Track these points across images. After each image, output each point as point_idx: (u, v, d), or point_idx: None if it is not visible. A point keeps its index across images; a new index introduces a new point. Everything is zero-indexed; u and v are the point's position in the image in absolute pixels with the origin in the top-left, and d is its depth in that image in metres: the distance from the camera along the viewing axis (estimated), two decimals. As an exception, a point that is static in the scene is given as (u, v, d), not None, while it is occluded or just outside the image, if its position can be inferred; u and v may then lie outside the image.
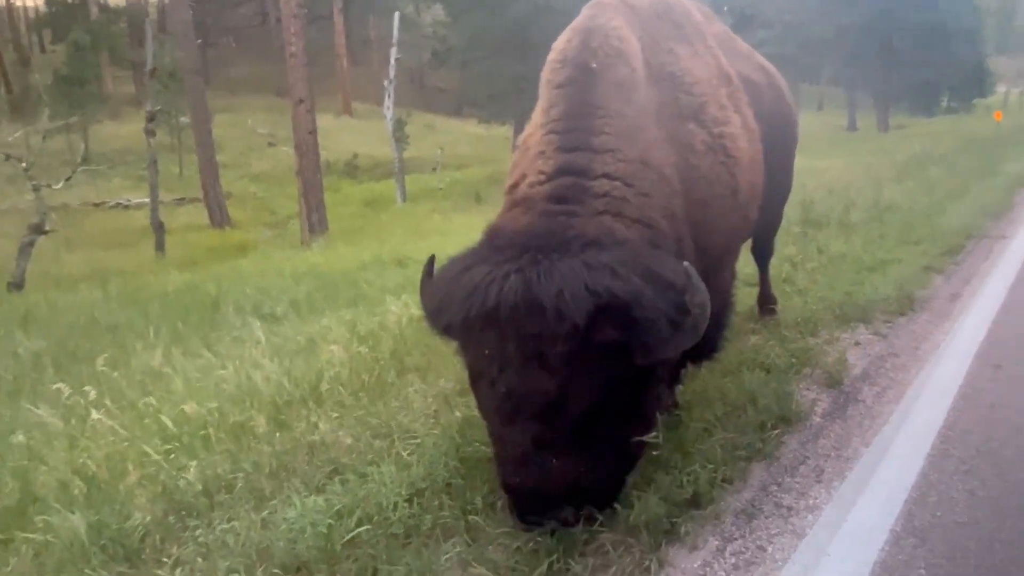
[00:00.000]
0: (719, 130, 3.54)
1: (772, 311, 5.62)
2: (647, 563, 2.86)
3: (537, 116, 3.33)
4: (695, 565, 2.89)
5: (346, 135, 34.26)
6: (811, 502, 3.30)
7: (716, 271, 3.61)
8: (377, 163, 31.28)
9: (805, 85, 40.18)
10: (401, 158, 24.47)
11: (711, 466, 3.34)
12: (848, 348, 5.08)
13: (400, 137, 24.45)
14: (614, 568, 2.83)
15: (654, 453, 3.39)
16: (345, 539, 2.91)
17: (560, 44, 3.42)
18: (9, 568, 2.96)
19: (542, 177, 3.04)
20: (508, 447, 2.72)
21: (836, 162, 18.42)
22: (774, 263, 6.85)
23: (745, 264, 6.51)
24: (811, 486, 3.43)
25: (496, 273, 2.61)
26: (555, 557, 2.78)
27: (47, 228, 14.69)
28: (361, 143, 32.99)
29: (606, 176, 2.99)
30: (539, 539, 2.86)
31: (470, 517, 3.07)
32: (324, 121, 24.66)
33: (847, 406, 4.24)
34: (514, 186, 3.19)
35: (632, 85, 3.30)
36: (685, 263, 2.81)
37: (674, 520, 3.04)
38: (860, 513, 3.18)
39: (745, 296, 6.02)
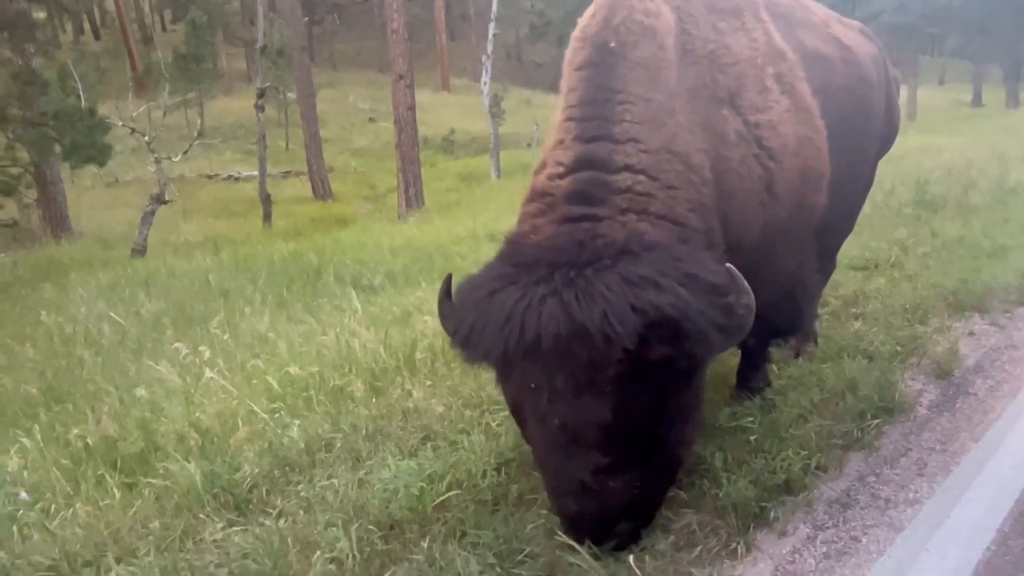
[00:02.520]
0: (755, 118, 3.27)
1: (806, 351, 4.55)
2: (734, 545, 2.83)
3: (560, 99, 3.12)
4: (784, 551, 2.84)
5: (444, 110, 34.73)
6: (911, 495, 3.17)
7: (776, 261, 3.44)
8: (473, 138, 31.58)
9: (926, 57, 37.58)
10: (497, 133, 24.58)
11: (805, 453, 3.26)
12: (961, 338, 4.80)
13: (496, 112, 24.52)
14: (699, 548, 2.82)
15: (749, 438, 3.35)
16: (436, 502, 3.03)
17: (583, 21, 3.18)
18: (134, 509, 3.24)
19: (560, 169, 2.86)
20: (564, 478, 2.60)
21: (957, 140, 17.24)
22: (879, 247, 6.54)
23: (852, 246, 6.25)
24: (912, 479, 3.29)
25: (530, 297, 2.43)
26: (644, 535, 2.80)
27: (167, 198, 15.67)
28: (458, 118, 33.36)
29: (628, 169, 2.79)
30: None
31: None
32: (423, 96, 25.08)
33: (956, 399, 4.03)
34: (537, 172, 3.03)
35: (659, 66, 3.03)
36: (728, 264, 2.64)
37: (764, 505, 2.99)
38: (965, 510, 3.03)
39: (850, 280, 5.78)
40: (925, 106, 32.23)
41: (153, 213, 14.95)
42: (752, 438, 3.35)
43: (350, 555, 2.79)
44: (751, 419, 3.48)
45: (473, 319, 2.55)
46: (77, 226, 18.24)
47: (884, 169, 8.95)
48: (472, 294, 2.64)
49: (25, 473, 3.70)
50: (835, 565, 2.76)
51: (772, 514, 2.97)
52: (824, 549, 2.85)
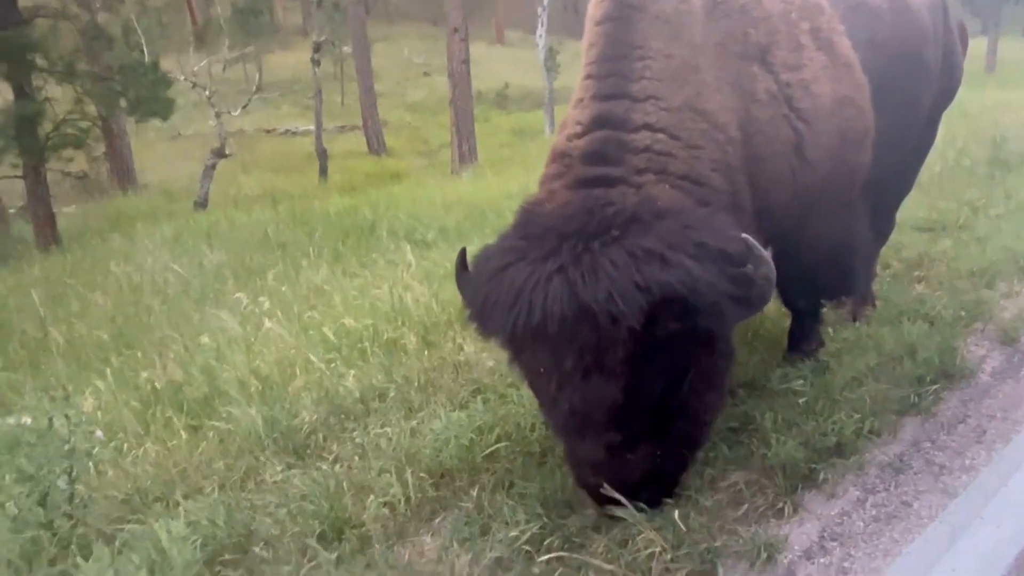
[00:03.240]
0: (787, 77, 3.11)
1: (863, 314, 4.39)
2: (780, 505, 2.83)
3: (582, 57, 3.01)
4: (832, 512, 2.83)
5: (498, 64, 34.32)
6: (968, 462, 3.10)
7: (817, 223, 3.34)
8: (527, 93, 31.20)
9: (1010, 5, 35.28)
10: (551, 88, 24.21)
11: (858, 416, 3.21)
12: (1030, 303, 4.62)
13: (551, 66, 24.13)
14: (745, 507, 2.83)
15: (800, 400, 3.32)
16: (485, 453, 3.10)
17: None
18: (199, 450, 3.41)
19: (579, 128, 2.78)
20: (581, 456, 2.59)
21: (1039, 95, 16.27)
22: (948, 208, 6.29)
23: (919, 207, 6.03)
24: (970, 446, 3.22)
25: (538, 275, 2.38)
26: (690, 492, 2.83)
27: (227, 152, 16.01)
28: (512, 72, 32.96)
29: (647, 128, 2.70)
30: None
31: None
32: (477, 50, 24.82)
33: (1022, 366, 3.89)
34: (560, 131, 2.97)
35: (682, 20, 2.91)
36: (744, 235, 2.51)
37: (813, 466, 2.98)
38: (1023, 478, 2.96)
39: (915, 241, 5.58)
40: (1007, 59, 30.41)
41: (214, 167, 15.31)
42: (803, 400, 3.32)
43: (402, 500, 2.89)
44: (802, 381, 3.44)
45: (484, 295, 2.53)
46: (142, 179, 18.82)
47: (956, 126, 8.55)
48: (485, 267, 2.61)
49: (99, 413, 3.92)
50: (884, 528, 2.74)
51: (821, 476, 2.96)
52: (874, 512, 2.83)
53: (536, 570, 2.52)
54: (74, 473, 2.89)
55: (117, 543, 2.74)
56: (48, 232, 11.97)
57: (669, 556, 2.51)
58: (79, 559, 2.56)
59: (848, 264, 3.67)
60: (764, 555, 2.59)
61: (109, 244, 10.13)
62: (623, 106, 2.73)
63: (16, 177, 12.93)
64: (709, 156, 2.78)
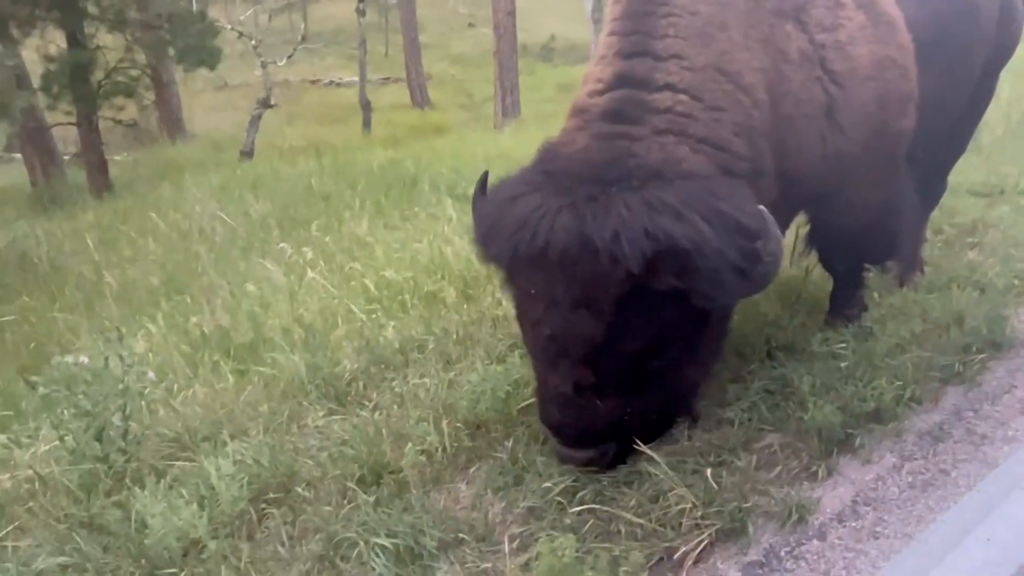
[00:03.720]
0: (822, 37, 3.00)
1: (910, 280, 4.19)
2: (815, 468, 2.83)
3: (608, 12, 2.97)
4: (867, 478, 2.82)
5: (544, 16, 33.63)
6: (1010, 433, 3.05)
7: (853, 189, 3.24)
8: (573, 46, 30.60)
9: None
10: (598, 41, 23.73)
11: (899, 383, 3.17)
12: (1089, 274, 4.45)
13: (598, 18, 23.51)
14: (779, 468, 2.84)
15: (840, 365, 3.28)
16: (521, 406, 3.15)
17: None
18: (245, 393, 3.53)
19: (600, 86, 2.74)
20: (550, 388, 2.62)
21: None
22: (1008, 172, 6.04)
23: (977, 170, 5.81)
24: (1014, 417, 3.16)
25: (549, 206, 2.42)
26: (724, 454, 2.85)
27: (272, 103, 16.12)
28: (558, 24, 32.30)
29: (669, 88, 2.64)
30: (705, 435, 2.93)
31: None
32: (523, 1, 24.34)
33: (1075, 338, 3.78)
34: (582, 86, 2.90)
35: None
36: (760, 207, 2.48)
37: (850, 431, 2.96)
38: (1069, 452, 2.91)
39: (970, 206, 5.40)
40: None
41: (260, 117, 15.45)
42: (843, 364, 3.28)
43: (439, 448, 2.97)
44: (844, 345, 3.40)
45: (492, 220, 2.58)
46: (190, 128, 19.09)
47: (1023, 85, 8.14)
48: (499, 195, 2.65)
49: (151, 355, 4.08)
50: (920, 495, 2.73)
51: (858, 441, 2.94)
52: (910, 479, 2.81)
53: (568, 520, 2.57)
54: (128, 411, 3.03)
55: (168, 478, 2.88)
56: (101, 179, 12.28)
57: (699, 513, 2.54)
58: (136, 489, 2.70)
59: (891, 230, 3.58)
60: (795, 516, 2.61)
61: (159, 192, 10.36)
62: (646, 65, 2.68)
63: (70, 124, 13.24)
64: (731, 119, 2.71)
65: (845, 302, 3.78)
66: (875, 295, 3.98)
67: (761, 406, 3.11)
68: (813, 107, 3.00)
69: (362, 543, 2.50)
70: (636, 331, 2.47)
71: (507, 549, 2.42)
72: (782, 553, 2.51)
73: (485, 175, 2.95)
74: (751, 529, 2.54)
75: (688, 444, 2.90)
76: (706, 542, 2.49)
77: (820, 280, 4.09)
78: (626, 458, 2.76)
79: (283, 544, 2.59)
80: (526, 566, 2.40)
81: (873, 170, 3.31)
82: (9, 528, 2.75)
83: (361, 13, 19.12)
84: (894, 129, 3.29)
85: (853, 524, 2.62)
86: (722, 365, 3.25)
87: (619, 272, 2.33)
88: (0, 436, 3.36)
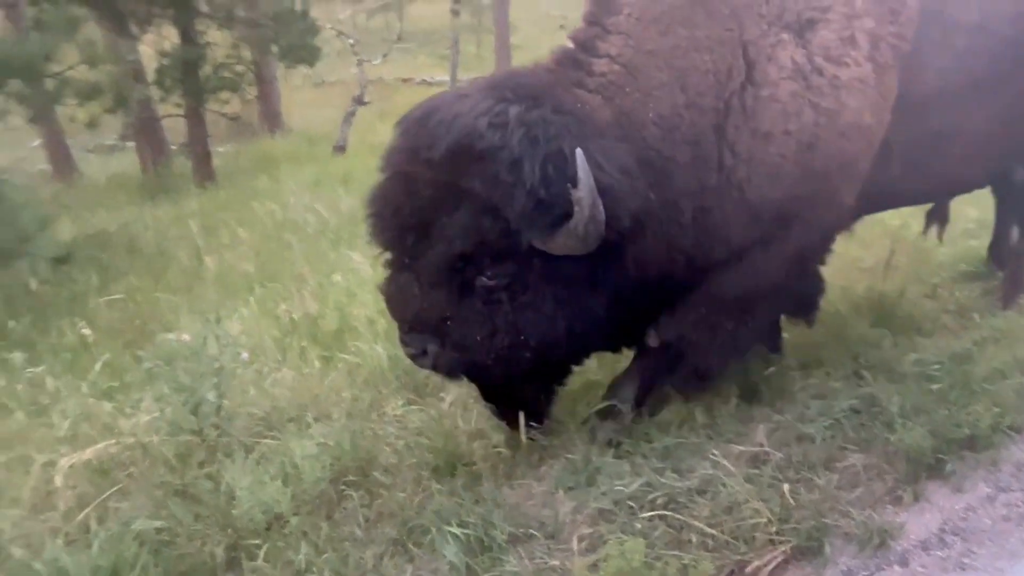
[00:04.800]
0: (821, 62, 2.82)
1: (1014, 301, 4.02)
2: (900, 493, 2.73)
3: None
4: (957, 507, 2.69)
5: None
6: (1122, 471, 2.85)
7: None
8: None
9: None
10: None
11: (997, 410, 3.01)
12: None
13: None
14: (861, 489, 2.74)
15: (933, 387, 3.14)
16: (595, 408, 3.15)
17: None
18: (330, 379, 3.67)
19: (559, 49, 2.94)
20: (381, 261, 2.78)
21: None
22: None
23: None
24: None
25: (460, 100, 2.56)
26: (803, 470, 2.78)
27: (366, 100, 16.58)
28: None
29: (610, 58, 2.76)
30: (784, 449, 2.87)
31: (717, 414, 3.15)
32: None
33: None
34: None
35: None
36: (578, 148, 2.39)
37: (940, 457, 2.83)
38: None
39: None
40: None
41: (354, 114, 15.92)
42: (936, 387, 3.15)
43: (513, 445, 3.01)
44: (938, 367, 3.25)
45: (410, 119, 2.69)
46: (288, 123, 19.84)
47: None
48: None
49: (244, 337, 4.27)
50: (1015, 529, 2.59)
51: (948, 468, 2.82)
52: (1004, 511, 2.67)
53: (638, 525, 2.57)
54: (222, 388, 3.19)
55: (255, 454, 3.03)
56: (205, 169, 12.92)
57: (774, 528, 2.50)
58: (227, 462, 2.86)
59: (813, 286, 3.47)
60: (876, 540, 2.52)
61: (257, 183, 10.82)
62: (595, 33, 2.84)
63: (178, 116, 13.99)
64: (656, 109, 2.72)
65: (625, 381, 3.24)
66: (975, 316, 3.80)
67: (845, 424, 3.01)
68: (799, 124, 2.80)
69: (434, 530, 2.56)
70: (448, 227, 2.51)
71: (576, 548, 2.43)
72: (860, 576, 2.43)
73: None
74: (828, 549, 2.47)
75: (766, 456, 2.84)
76: (780, 559, 2.44)
77: (916, 297, 3.93)
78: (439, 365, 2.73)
79: (359, 525, 2.69)
80: (594, 567, 2.41)
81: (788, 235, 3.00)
82: (112, 490, 2.95)
83: (455, 13, 19.43)
84: (826, 200, 2.99)
85: (939, 553, 2.51)
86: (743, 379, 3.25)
87: (430, 152, 2.48)
88: (107, 404, 3.60)
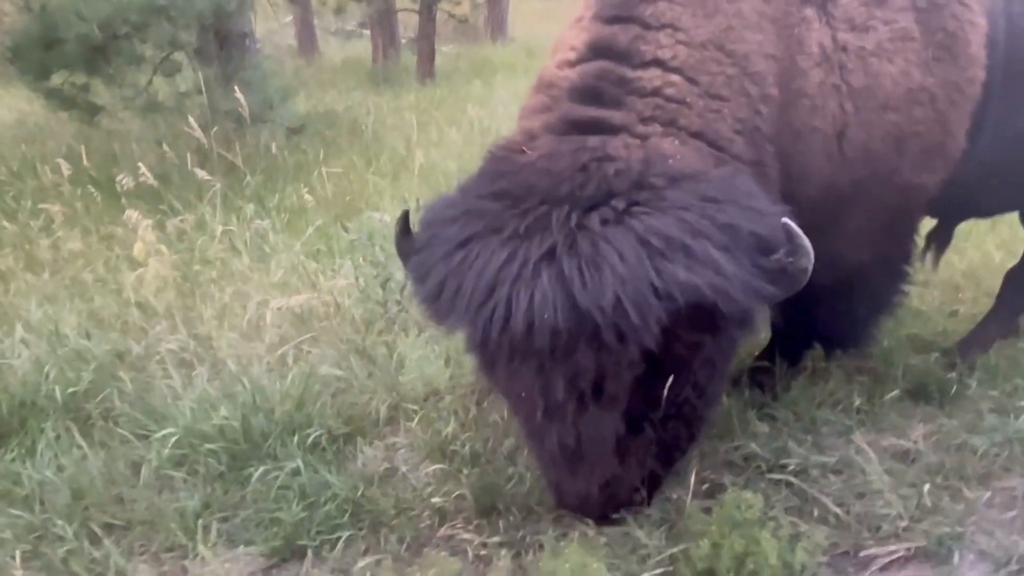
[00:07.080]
0: (844, 37, 2.32)
1: None
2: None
3: None
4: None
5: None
6: None
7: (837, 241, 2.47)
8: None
9: None
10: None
11: None
12: None
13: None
14: (1014, 513, 2.58)
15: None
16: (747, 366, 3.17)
17: None
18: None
19: (572, 55, 2.23)
20: (567, 489, 2.20)
21: None
22: None
23: None
24: None
25: (519, 262, 1.83)
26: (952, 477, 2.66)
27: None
28: None
29: (658, 64, 2.12)
30: (939, 454, 2.75)
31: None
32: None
33: None
34: (552, 54, 2.42)
35: None
36: (784, 220, 1.96)
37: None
38: None
39: None
40: None
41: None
42: None
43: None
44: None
45: (443, 274, 1.98)
46: (512, 31, 20.17)
47: None
48: (442, 233, 2.04)
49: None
50: None
51: None
52: None
53: (762, 484, 2.61)
54: (409, 271, 3.56)
55: (426, 334, 3.38)
56: (427, 66, 13.56)
57: (904, 524, 2.44)
58: (402, 335, 3.24)
59: (858, 313, 2.87)
60: (1015, 567, 2.39)
61: (471, 87, 11.24)
62: (630, 33, 2.17)
63: (412, 11, 14.71)
64: (733, 113, 2.18)
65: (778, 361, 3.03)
66: None
67: (1016, 445, 2.81)
68: (826, 120, 2.38)
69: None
70: (657, 398, 2.10)
71: (692, 489, 2.53)
72: (985, 596, 2.34)
73: (406, 213, 2.36)
74: (956, 559, 2.39)
75: (916, 454, 2.75)
76: (901, 555, 2.40)
77: None
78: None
79: (502, 417, 2.96)
80: (708, 511, 2.50)
81: (864, 225, 2.62)
82: (307, 336, 3.45)
83: None
84: (906, 182, 2.55)
85: (1083, 597, 2.34)
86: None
87: (630, 352, 1.89)
88: (313, 264, 4.13)
